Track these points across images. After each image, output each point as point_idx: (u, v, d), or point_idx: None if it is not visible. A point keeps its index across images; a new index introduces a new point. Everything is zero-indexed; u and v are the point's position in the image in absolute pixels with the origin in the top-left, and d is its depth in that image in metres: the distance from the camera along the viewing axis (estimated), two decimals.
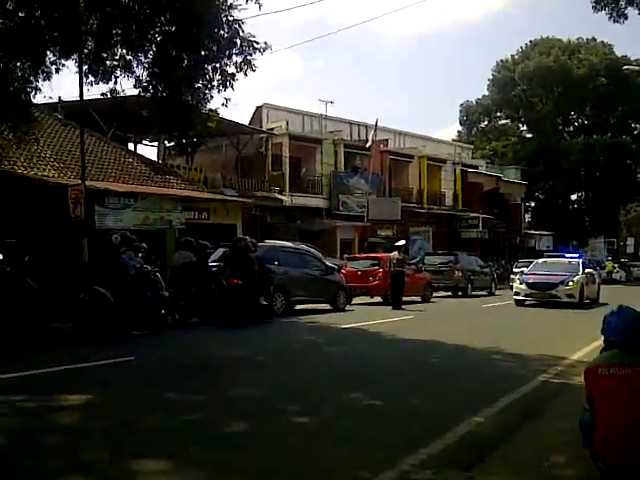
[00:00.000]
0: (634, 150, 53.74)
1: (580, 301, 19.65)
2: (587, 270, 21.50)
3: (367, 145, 32.71)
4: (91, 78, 13.51)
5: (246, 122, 30.68)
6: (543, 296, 19.65)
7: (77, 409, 6.12)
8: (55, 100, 19.51)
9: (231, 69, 13.40)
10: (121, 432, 5.34)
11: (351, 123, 37.04)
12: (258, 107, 32.52)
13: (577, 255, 27.03)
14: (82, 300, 10.48)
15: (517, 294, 20.32)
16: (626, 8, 12.45)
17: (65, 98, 20.92)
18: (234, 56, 13.25)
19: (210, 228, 19.77)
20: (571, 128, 61.03)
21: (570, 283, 19.69)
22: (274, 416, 5.94)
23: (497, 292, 27.31)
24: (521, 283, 20.35)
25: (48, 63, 12.91)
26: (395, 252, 19.47)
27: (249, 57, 13.28)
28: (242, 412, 6.03)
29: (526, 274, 21.13)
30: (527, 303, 19.89)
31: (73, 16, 11.92)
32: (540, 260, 24.13)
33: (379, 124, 33.13)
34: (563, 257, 25.45)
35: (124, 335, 10.70)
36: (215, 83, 13.55)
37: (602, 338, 4.06)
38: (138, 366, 8.51)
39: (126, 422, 5.62)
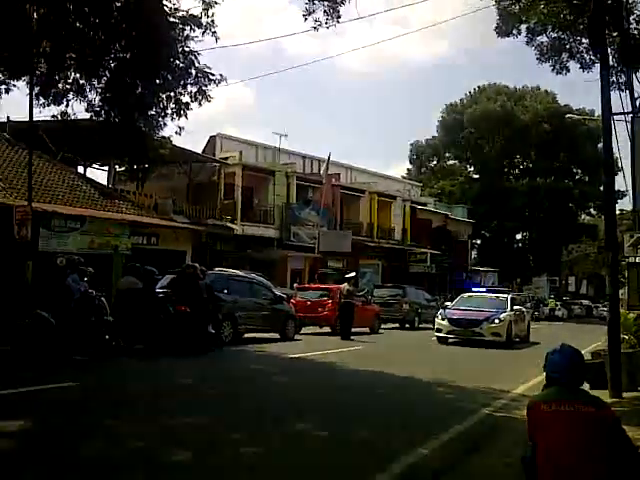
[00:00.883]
0: (576, 194, 55.73)
1: (508, 340, 18.35)
2: (516, 307, 20.13)
3: (322, 180, 33.06)
4: (42, 100, 13.33)
5: (199, 150, 30.62)
6: (466, 334, 18.29)
7: (13, 436, 5.91)
8: (3, 120, 19.13)
9: (185, 98, 13.43)
10: (59, 460, 5.18)
11: (304, 156, 37.41)
12: (212, 136, 32.55)
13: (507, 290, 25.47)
14: (23, 324, 10.19)
15: (439, 330, 18.83)
16: (568, 61, 13.05)
17: (14, 118, 20.54)
18: (189, 86, 13.30)
19: (159, 254, 19.50)
20: (516, 171, 62.90)
21: (496, 321, 18.28)
22: (217, 446, 5.85)
23: None
24: (443, 319, 18.82)
25: None
26: (345, 283, 19.62)
27: (204, 87, 13.35)
28: (184, 442, 5.92)
29: (449, 309, 19.66)
30: (450, 341, 18.64)
31: (25, 37, 11.77)
32: (466, 294, 22.24)
33: (331, 158, 33.54)
34: (493, 292, 23.98)
35: (65, 360, 10.41)
36: (169, 111, 13.54)
37: (544, 374, 4.17)
38: (78, 392, 8.29)
39: (65, 450, 5.47)
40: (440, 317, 19.08)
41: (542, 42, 13.01)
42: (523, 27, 12.87)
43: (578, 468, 3.54)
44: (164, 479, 4.81)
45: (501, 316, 18.48)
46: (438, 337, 18.66)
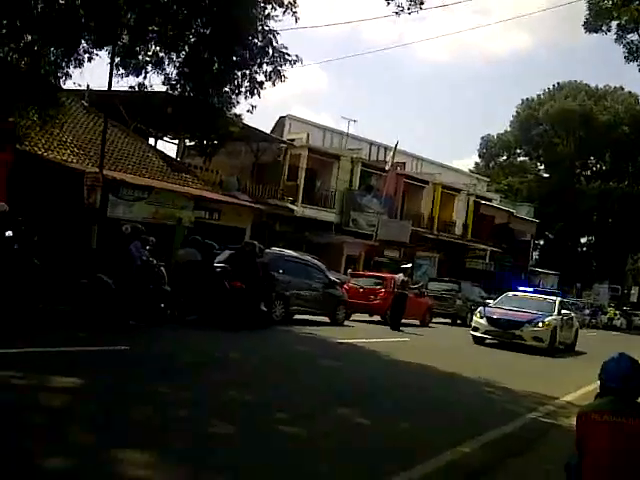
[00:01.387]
0: None
1: (550, 347, 16.68)
2: (564, 311, 18.41)
3: (386, 168, 32.85)
4: (122, 70, 13.71)
5: (268, 130, 30.88)
6: (504, 335, 16.77)
7: (66, 392, 6.17)
8: (84, 88, 19.75)
9: (260, 77, 13.58)
10: (107, 420, 5.38)
11: (371, 143, 37.21)
12: (281, 117, 32.73)
13: (558, 292, 23.13)
14: (83, 285, 10.57)
15: (476, 329, 17.43)
16: None
17: (94, 87, 21.17)
18: (265, 65, 13.44)
19: (219, 229, 19.84)
20: (588, 172, 61.00)
21: (539, 324, 16.70)
22: (260, 422, 5.97)
23: None
24: (481, 317, 17.37)
25: (81, 51, 13.10)
26: (400, 274, 19.51)
27: (279, 67, 13.45)
28: (229, 414, 6.07)
29: (490, 307, 18.25)
30: (487, 342, 17.22)
31: (111, 8, 12.12)
32: (510, 293, 20.58)
33: (398, 147, 33.26)
34: (541, 293, 22.02)
35: (121, 324, 10.76)
36: (243, 89, 13.72)
37: (597, 383, 4.09)
38: (132, 356, 8.57)
39: (113, 410, 5.68)
40: (479, 315, 17.63)
41: (632, 40, 12.56)
42: (614, 24, 12.48)
43: None
44: (204, 449, 4.94)
45: (546, 320, 16.83)
46: (474, 337, 17.36)
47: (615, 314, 45.13)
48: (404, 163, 37.08)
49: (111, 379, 6.99)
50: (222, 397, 6.76)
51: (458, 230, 40.50)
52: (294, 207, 29.34)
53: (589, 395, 4.28)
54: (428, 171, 39.89)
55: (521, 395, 9.58)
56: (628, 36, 12.56)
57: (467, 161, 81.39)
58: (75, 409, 5.66)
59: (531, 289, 23.11)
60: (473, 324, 17.70)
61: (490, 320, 17.07)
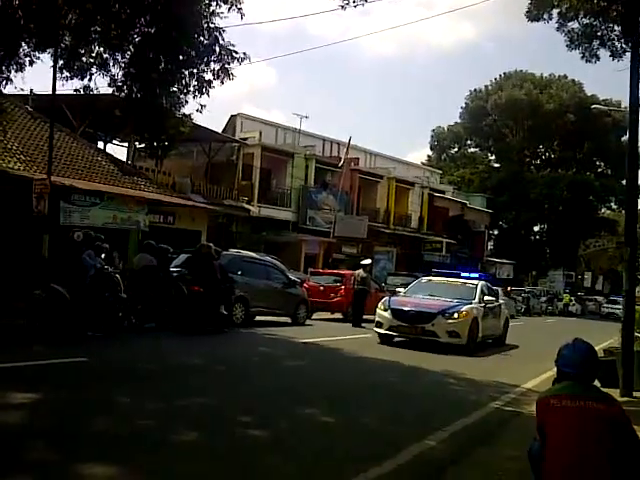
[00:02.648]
0: (597, 187, 55.07)
1: (470, 342, 13.51)
2: (487, 297, 15.01)
3: (340, 164, 32.92)
4: (65, 73, 13.38)
5: (219, 130, 30.61)
6: (413, 331, 13.53)
7: (23, 408, 5.98)
8: (27, 92, 19.23)
9: (208, 76, 13.43)
10: (69, 434, 5.24)
11: (324, 139, 37.28)
12: (232, 116, 32.52)
13: (478, 275, 18.55)
14: (38, 297, 10.27)
15: (379, 325, 14.01)
16: (598, 49, 12.81)
17: (37, 91, 20.64)
18: (212, 63, 13.29)
19: (174, 233, 19.60)
20: (538, 161, 62.33)
21: (455, 315, 13.47)
22: (226, 427, 5.90)
23: None
24: (386, 309, 13.98)
25: (22, 54, 12.75)
26: (360, 270, 19.54)
27: (227, 65, 13.32)
28: (193, 421, 5.97)
29: (397, 297, 15.10)
30: (396, 340, 13.94)
31: (51, 9, 11.80)
32: (425, 278, 17.26)
33: (352, 142, 33.40)
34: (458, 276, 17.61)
35: (78, 335, 10.50)
36: (191, 88, 13.55)
37: (555, 369, 4.14)
38: (91, 368, 8.37)
39: (74, 424, 5.53)
40: (382, 307, 14.24)
41: (573, 28, 12.79)
42: (555, 12, 12.65)
43: (584, 464, 3.54)
44: (170, 458, 4.84)
45: (462, 309, 13.65)
46: (378, 334, 14.01)
47: (570, 300, 46.22)
48: (358, 158, 37.27)
49: (70, 392, 6.80)
50: (185, 403, 6.65)
51: (414, 223, 40.92)
52: (250, 207, 29.17)
53: (549, 381, 4.33)
54: (382, 166, 40.19)
55: (483, 385, 9.72)
56: (569, 24, 12.78)
57: (420, 154, 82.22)
58: (33, 425, 5.48)
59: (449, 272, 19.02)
60: (376, 318, 14.28)
61: (395, 313, 13.73)
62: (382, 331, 13.93)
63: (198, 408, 6.56)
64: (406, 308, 13.77)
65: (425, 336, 13.41)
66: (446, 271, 19.20)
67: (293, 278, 18.21)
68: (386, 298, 14.97)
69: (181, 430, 5.61)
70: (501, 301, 17.05)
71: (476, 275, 18.35)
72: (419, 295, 14.78)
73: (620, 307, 43.84)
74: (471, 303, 14.19)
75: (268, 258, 19.15)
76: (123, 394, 6.81)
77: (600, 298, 50.89)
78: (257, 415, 6.43)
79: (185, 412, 6.33)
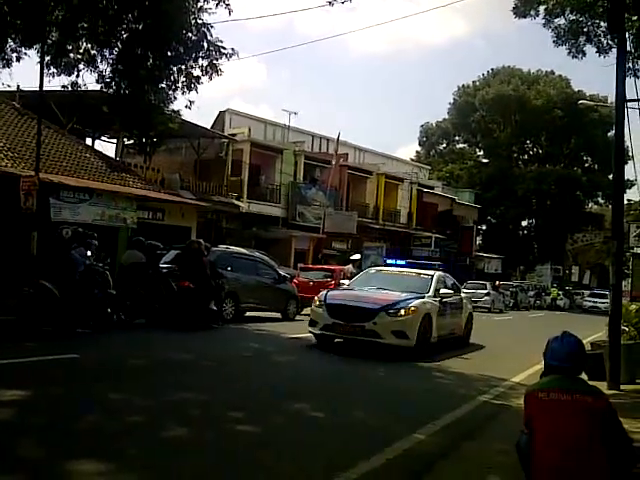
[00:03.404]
0: (584, 182, 55.41)
1: (420, 343, 11.30)
2: (444, 290, 12.91)
3: (332, 161, 32.93)
4: (53, 69, 13.31)
5: (208, 126, 30.52)
6: (350, 330, 11.26)
7: (14, 405, 5.97)
8: (14, 88, 19.08)
9: (196, 72, 13.42)
10: (59, 431, 5.23)
11: (313, 135, 37.27)
12: (221, 112, 32.42)
13: (437, 265, 16.02)
14: (27, 294, 10.23)
15: (313, 324, 11.87)
16: (585, 45, 12.90)
17: (25, 87, 20.50)
18: (200, 59, 13.29)
19: (164, 229, 19.54)
20: (526, 156, 62.57)
21: (402, 311, 11.23)
22: (215, 422, 5.92)
23: None
24: (321, 305, 11.82)
25: (9, 50, 12.67)
26: (350, 265, 19.58)
27: (215, 61, 13.31)
28: (183, 417, 5.99)
29: (337, 290, 13.29)
30: (336, 341, 11.87)
31: (38, 5, 11.73)
32: (374, 269, 15.13)
33: (340, 138, 33.42)
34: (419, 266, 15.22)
35: (68, 332, 10.48)
36: (179, 84, 13.55)
37: (542, 362, 4.18)
38: (81, 364, 8.36)
39: (65, 421, 5.52)
40: (317, 301, 12.11)
41: (559, 24, 12.87)
42: (541, 8, 12.73)
43: (572, 457, 3.57)
44: (161, 453, 4.85)
45: (411, 304, 11.45)
46: (313, 334, 11.97)
47: (558, 294, 46.47)
48: (347, 154, 37.29)
49: (61, 389, 6.79)
50: (175, 400, 6.66)
51: (403, 219, 41.04)
52: (240, 203, 29.13)
53: (537, 375, 4.38)
54: (371, 161, 40.25)
55: (471, 379, 9.79)
56: (555, 20, 12.87)
57: (409, 150, 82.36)
58: (24, 422, 5.48)
59: (403, 262, 16.47)
60: (310, 315, 12.35)
61: (331, 309, 11.53)
62: (316, 331, 11.74)
63: (188, 404, 6.56)
64: (343, 303, 11.58)
65: (365, 337, 11.13)
66: (400, 262, 16.65)
67: (283, 274, 18.23)
68: (323, 292, 12.62)
69: (171, 426, 5.62)
70: (463, 295, 15.00)
71: (437, 264, 16.08)
72: (364, 288, 12.59)
73: (603, 301, 43.84)
74: (424, 297, 12.01)
75: (258, 254, 19.14)
76: (113, 390, 6.81)
77: (587, 292, 51.23)
78: (247, 411, 6.45)
79: (175, 408, 6.34)
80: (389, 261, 17.48)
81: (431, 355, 11.49)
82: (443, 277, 13.84)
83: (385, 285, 12.63)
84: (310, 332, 12.03)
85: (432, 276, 13.18)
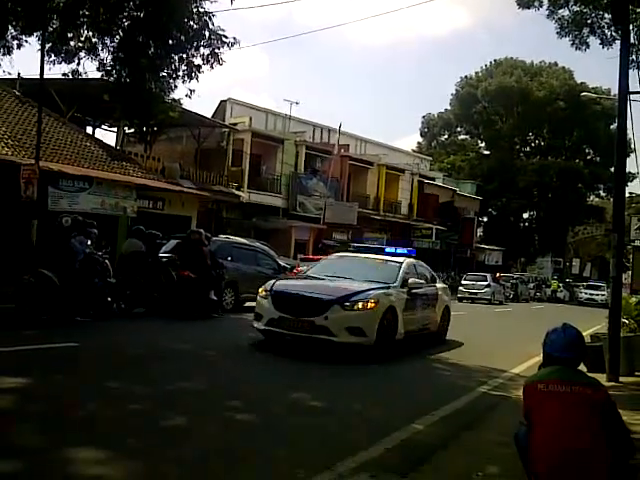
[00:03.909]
0: (586, 175, 55.33)
1: (380, 341, 9.54)
2: (412, 280, 11.02)
3: (333, 151, 32.86)
4: (53, 57, 13.26)
5: (209, 115, 30.45)
6: (298, 327, 9.42)
7: (14, 392, 5.98)
8: (14, 76, 19.04)
9: (197, 61, 13.38)
10: (58, 419, 5.24)
11: (314, 125, 37.18)
12: (222, 101, 32.34)
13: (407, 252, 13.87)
14: (26, 282, 10.23)
15: (258, 317, 10.05)
16: (588, 37, 12.85)
17: (25, 75, 20.45)
18: (201, 48, 13.23)
19: (164, 219, 19.54)
20: (528, 148, 62.44)
21: (359, 304, 9.51)
22: (214, 411, 5.92)
23: None
24: (267, 296, 10.01)
25: (9, 38, 12.62)
26: None
27: (217, 50, 13.25)
28: (182, 406, 5.99)
29: (287, 280, 11.63)
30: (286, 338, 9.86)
31: None
32: (336, 255, 13.55)
33: (342, 129, 33.37)
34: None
35: (68, 320, 10.48)
36: (180, 73, 13.50)
37: (542, 354, 4.18)
38: (81, 353, 8.36)
39: (64, 409, 5.53)
40: (263, 291, 10.28)
41: (563, 15, 12.82)
42: None
43: (571, 448, 3.58)
44: (160, 442, 4.86)
45: (370, 295, 9.69)
46: (258, 329, 10.08)
47: (558, 286, 46.47)
48: (348, 145, 37.23)
49: (60, 377, 6.80)
50: (174, 388, 6.67)
51: (404, 210, 41.00)
52: (240, 193, 29.10)
53: (537, 367, 4.37)
54: (372, 152, 40.17)
55: (471, 369, 9.80)
56: (559, 11, 12.83)
57: (410, 141, 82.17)
58: (24, 410, 5.49)
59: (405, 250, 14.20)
60: (255, 308, 10.44)
61: (277, 300, 9.73)
62: (261, 326, 9.89)
63: (187, 393, 6.57)
64: (292, 293, 9.84)
65: (314, 334, 9.23)
66: (371, 246, 15.05)
67: (283, 264, 18.21)
68: (271, 281, 10.68)
69: (171, 415, 5.62)
70: (439, 285, 13.09)
71: (404, 251, 13.72)
72: (322, 275, 10.96)
73: (600, 293, 43.35)
74: (389, 287, 10.33)
75: (258, 244, 19.12)
76: (112, 378, 6.81)
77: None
78: (246, 399, 6.46)
79: (174, 397, 6.34)
80: (356, 246, 16.60)
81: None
82: (414, 265, 12.07)
83: (347, 273, 11.02)
84: (254, 327, 10.10)
85: (401, 264, 11.44)
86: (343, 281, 10.51)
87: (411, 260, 12.31)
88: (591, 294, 44.07)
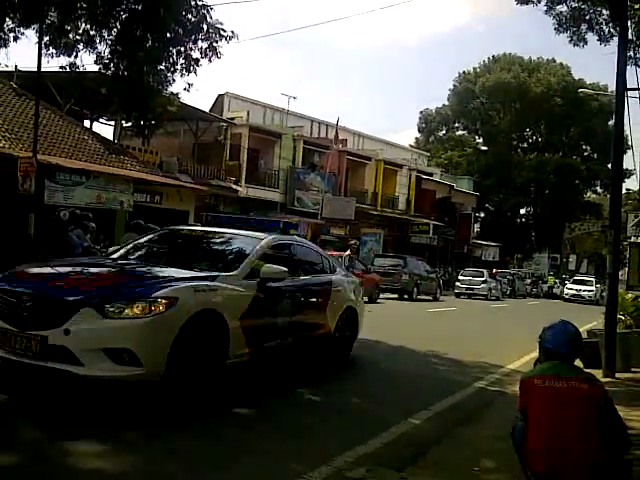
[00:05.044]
0: (583, 171, 55.37)
1: (177, 372, 5.56)
2: (275, 267, 6.92)
3: (332, 146, 32.81)
4: (51, 50, 13.20)
5: (206, 109, 30.37)
6: (20, 347, 5.35)
7: (13, 384, 5.96)
8: (11, 69, 18.95)
9: (196, 54, 13.30)
10: (58, 411, 5.25)
11: (312, 120, 37.10)
12: (220, 95, 32.24)
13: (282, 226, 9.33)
14: None
15: None
16: (586, 33, 12.84)
17: (22, 68, 20.36)
18: (200, 41, 13.16)
19: (162, 212, 19.50)
20: (525, 144, 62.42)
21: (136, 307, 5.42)
22: (214, 404, 5.91)
23: (442, 298, 27.76)
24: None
25: (6, 30, 12.55)
26: (348, 251, 19.60)
27: (215, 44, 13.19)
28: (181, 397, 5.98)
29: (26, 266, 7.07)
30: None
31: None
32: (165, 229, 8.77)
33: (340, 124, 33.29)
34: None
35: None
36: (178, 67, 13.42)
37: (538, 349, 4.19)
38: None
39: (64, 399, 5.54)
40: None
41: (561, 11, 12.81)
42: None
43: (568, 444, 3.60)
44: (159, 434, 4.86)
45: (163, 292, 5.63)
46: None
47: (555, 282, 46.49)
48: (346, 140, 37.16)
49: None
50: None
51: (401, 205, 40.99)
52: (238, 187, 29.06)
53: (532, 362, 4.40)
54: (370, 147, 40.11)
55: (467, 365, 9.81)
56: (557, 7, 12.82)
57: (408, 136, 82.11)
58: (22, 401, 5.50)
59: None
60: None
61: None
62: None
63: None
64: (15, 288, 5.89)
65: (46, 361, 5.33)
66: (233, 216, 10.90)
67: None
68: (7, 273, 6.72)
69: (169, 406, 5.62)
70: (336, 277, 8.78)
71: (281, 224, 9.54)
72: (129, 260, 7.30)
73: (587, 289, 42.63)
74: (218, 277, 6.39)
75: None
76: None
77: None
78: (244, 393, 6.46)
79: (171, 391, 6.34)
80: (212, 215, 13.14)
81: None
82: (289, 245, 8.05)
83: (169, 257, 7.49)
84: None
85: (259, 242, 7.36)
86: (153, 268, 6.68)
87: (284, 237, 8.24)
88: (577, 290, 39.38)
